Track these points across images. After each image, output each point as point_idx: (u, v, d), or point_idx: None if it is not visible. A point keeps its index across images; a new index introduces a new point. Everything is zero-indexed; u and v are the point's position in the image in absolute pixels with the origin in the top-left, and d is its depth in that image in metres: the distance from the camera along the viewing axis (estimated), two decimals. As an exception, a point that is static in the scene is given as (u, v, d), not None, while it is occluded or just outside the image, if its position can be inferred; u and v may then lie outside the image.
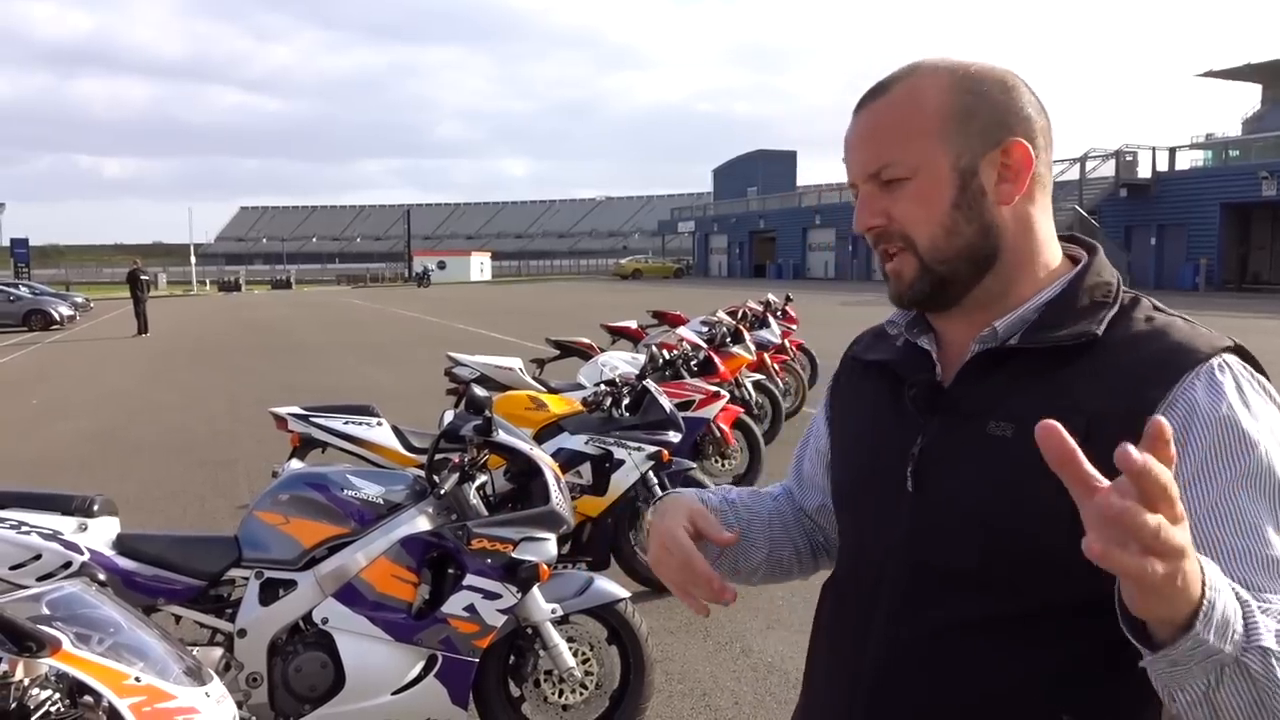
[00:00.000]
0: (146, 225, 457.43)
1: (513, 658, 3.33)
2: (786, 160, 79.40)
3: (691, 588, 1.15)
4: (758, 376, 8.61)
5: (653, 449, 4.86)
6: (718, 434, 6.81)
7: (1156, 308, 1.09)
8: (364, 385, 14.11)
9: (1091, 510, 0.73)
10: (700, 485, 5.17)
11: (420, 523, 3.13)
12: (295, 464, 3.91)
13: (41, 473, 8.47)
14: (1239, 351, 1.03)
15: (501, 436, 3.28)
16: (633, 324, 10.36)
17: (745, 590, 5.36)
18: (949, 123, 1.07)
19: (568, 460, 4.78)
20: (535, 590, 3.23)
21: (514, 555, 3.16)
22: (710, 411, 6.42)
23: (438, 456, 3.28)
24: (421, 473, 3.34)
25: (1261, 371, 1.04)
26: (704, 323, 9.11)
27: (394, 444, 4.58)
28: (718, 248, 72.62)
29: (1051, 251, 1.13)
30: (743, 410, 7.11)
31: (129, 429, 10.80)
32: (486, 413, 3.20)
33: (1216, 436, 0.96)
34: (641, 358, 6.74)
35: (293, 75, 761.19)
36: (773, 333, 9.74)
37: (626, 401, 5.05)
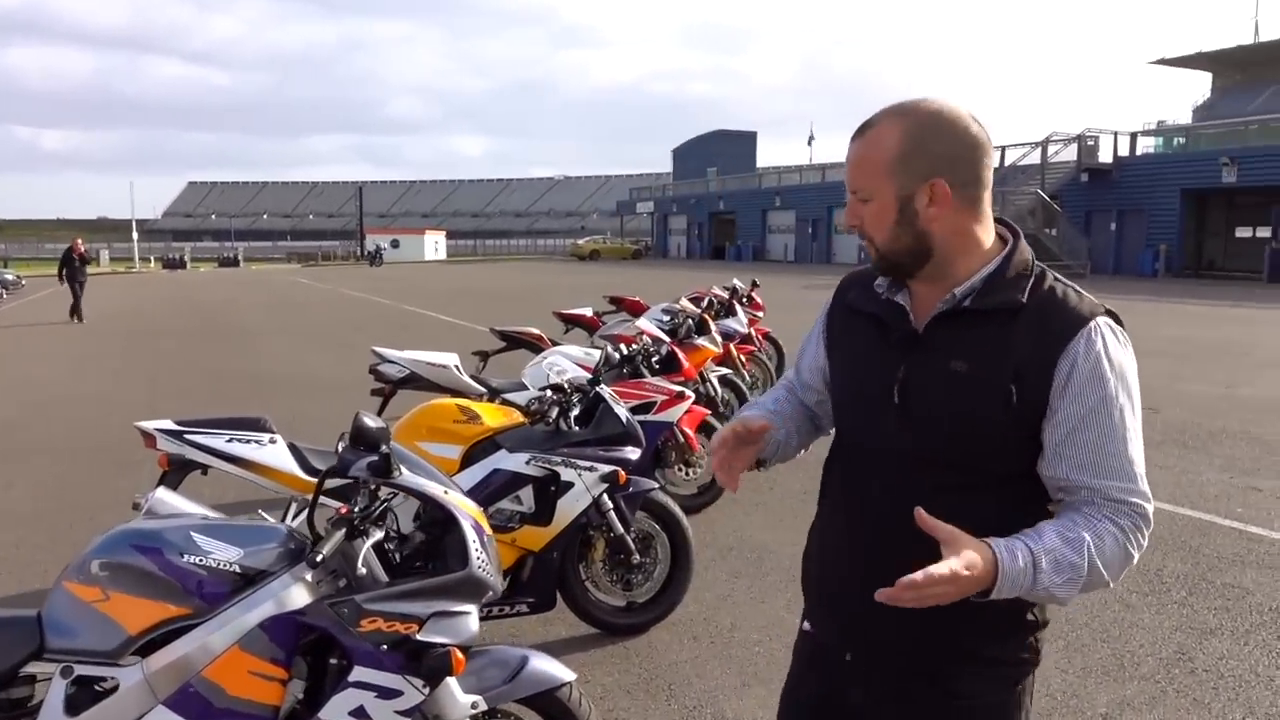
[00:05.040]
0: (90, 200, 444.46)
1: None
2: (746, 141, 78.41)
3: (727, 464, 1.74)
4: (724, 371, 7.85)
5: (607, 469, 4.07)
6: (681, 439, 6.05)
7: (1056, 278, 1.63)
8: (300, 372, 13.17)
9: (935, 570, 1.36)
10: (663, 508, 4.41)
11: (291, 597, 2.32)
12: (162, 493, 3.07)
13: (-82, 476, 7.49)
14: (1110, 314, 1.57)
15: (406, 477, 2.48)
16: (588, 311, 9.52)
17: (720, 642, 4.07)
18: (895, 164, 1.56)
19: (505, 484, 3.99)
20: (449, 681, 2.45)
21: (419, 637, 2.37)
22: (674, 414, 5.66)
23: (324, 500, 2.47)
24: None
25: (1122, 325, 1.58)
26: (665, 311, 8.33)
27: (289, 466, 3.74)
28: (677, 229, 71.72)
29: (986, 238, 1.64)
30: (709, 412, 6.35)
31: (32, 425, 9.79)
32: (383, 447, 2.39)
33: (1088, 373, 1.51)
34: (596, 353, 5.93)
35: (239, 48, 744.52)
36: (739, 321, 8.96)
37: (576, 411, 4.26)
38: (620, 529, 4.19)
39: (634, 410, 5.25)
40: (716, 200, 66.28)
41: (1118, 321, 1.57)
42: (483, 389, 5.59)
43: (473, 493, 3.93)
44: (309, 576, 2.35)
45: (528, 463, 4.00)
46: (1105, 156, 39.52)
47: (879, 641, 1.67)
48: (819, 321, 1.89)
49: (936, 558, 1.38)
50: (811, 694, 1.83)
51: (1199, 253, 38.26)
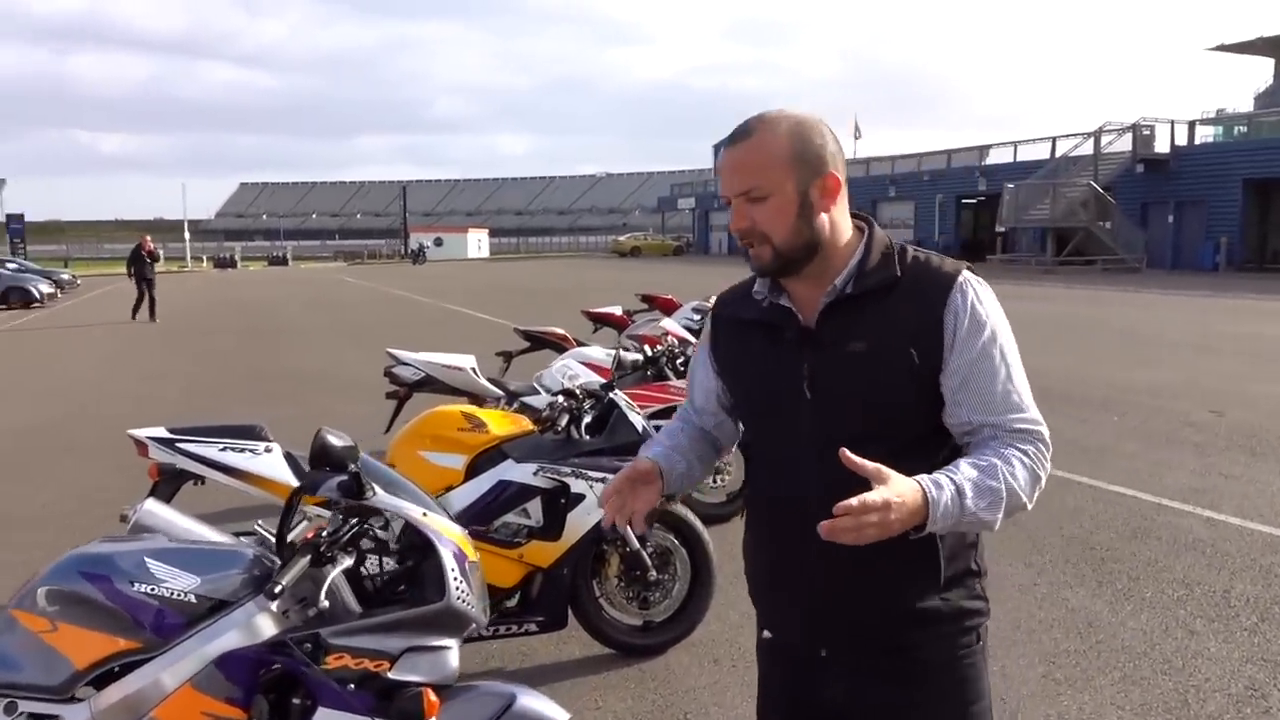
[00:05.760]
0: (148, 201, 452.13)
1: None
2: (790, 135, 77.53)
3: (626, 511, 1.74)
4: (757, 371, 7.57)
5: (621, 480, 3.83)
6: (709, 444, 5.80)
7: (915, 249, 1.73)
8: (338, 371, 13.09)
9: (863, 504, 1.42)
10: (683, 521, 4.16)
11: (252, 629, 2.11)
12: (152, 505, 2.90)
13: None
14: (970, 270, 1.69)
15: (379, 498, 2.26)
16: (617, 310, 9.26)
17: (742, 666, 4.34)
18: (792, 160, 1.63)
19: (512, 496, 3.76)
20: (425, 725, 2.23)
21: (390, 676, 2.15)
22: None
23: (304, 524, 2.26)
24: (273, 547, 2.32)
25: (979, 276, 1.70)
26: (696, 310, 8.07)
27: (284, 476, 3.55)
28: (719, 225, 71.08)
29: (849, 231, 1.72)
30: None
31: (67, 424, 9.79)
32: (351, 466, 2.17)
33: (967, 324, 1.63)
34: (628, 356, 5.69)
35: (285, 50, 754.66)
36: (775, 320, 8.65)
37: (589, 419, 4.03)
38: (635, 544, 3.96)
39: (656, 414, 5.02)
40: (760, 195, 65.49)
41: (976, 274, 1.71)
42: (499, 392, 5.38)
43: (477, 505, 3.72)
44: (274, 607, 2.14)
45: (536, 474, 3.78)
46: (1162, 146, 38.31)
47: (847, 626, 1.73)
48: (702, 349, 1.95)
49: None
50: (785, 700, 1.86)
51: (1262, 245, 36.93)
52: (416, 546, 2.34)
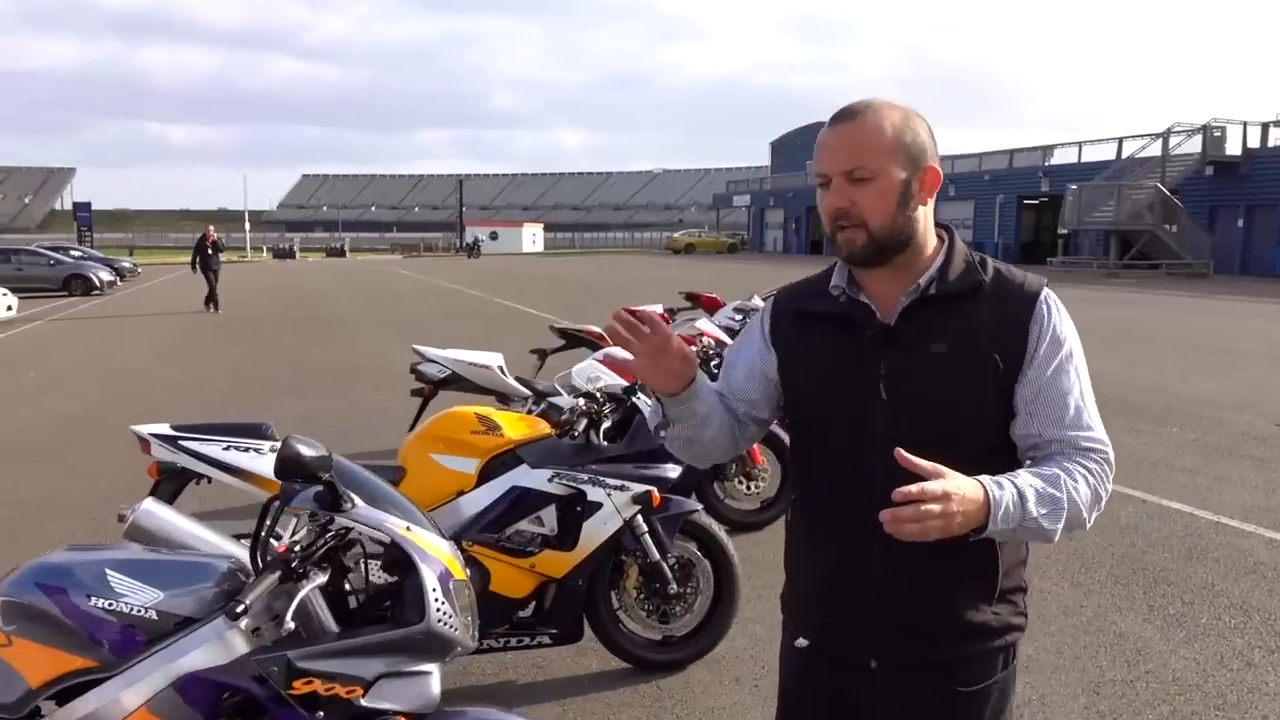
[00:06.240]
0: (213, 191, 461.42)
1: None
2: (848, 133, 76.62)
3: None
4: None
5: (640, 488, 3.67)
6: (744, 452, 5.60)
7: (994, 260, 1.73)
8: (384, 364, 13.05)
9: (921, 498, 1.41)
10: (706, 532, 3.98)
11: (217, 649, 1.98)
12: (150, 505, 2.80)
13: (-11, 463, 7.55)
14: (1049, 286, 1.70)
15: (358, 511, 2.11)
16: (658, 308, 9.07)
17: (765, 685, 4.40)
18: (898, 146, 1.62)
19: (525, 502, 3.61)
20: (399, 755, 2.08)
21: (362, 703, 2.01)
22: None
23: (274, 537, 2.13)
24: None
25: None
26: (738, 310, 7.85)
27: (290, 478, 3.44)
28: (773, 223, 70.62)
29: (934, 233, 1.71)
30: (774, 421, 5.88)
31: (109, 412, 9.87)
32: (324, 475, 2.03)
33: (1050, 337, 1.64)
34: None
35: (349, 44, 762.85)
36: (819, 321, 8.40)
37: (609, 424, 3.86)
38: (656, 555, 3.78)
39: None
40: (814, 194, 64.73)
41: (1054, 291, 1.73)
42: (526, 392, 5.24)
43: (488, 511, 3.58)
44: (243, 626, 2.01)
45: (551, 480, 3.62)
46: (1233, 149, 37.07)
47: (902, 636, 1.69)
48: (754, 336, 1.86)
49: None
50: (821, 710, 1.81)
51: (1335, 252, 35.63)
52: (399, 562, 2.20)
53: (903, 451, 1.45)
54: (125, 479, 7.03)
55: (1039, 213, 48.29)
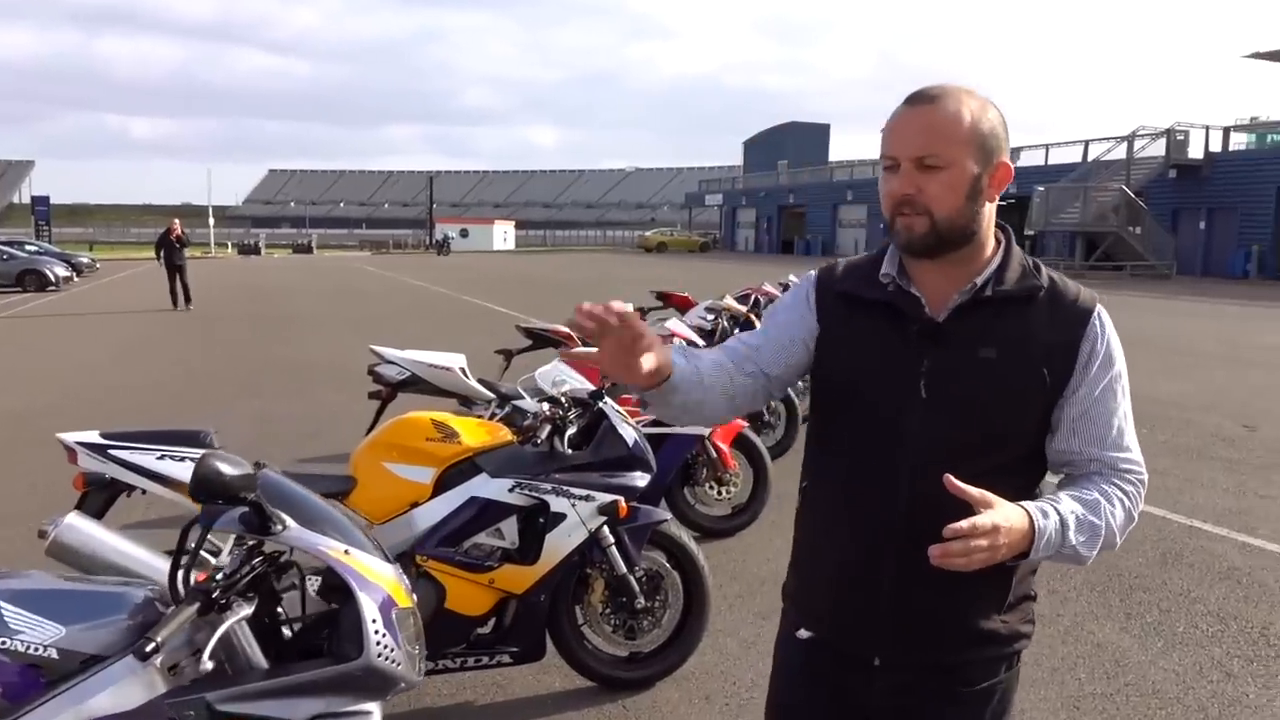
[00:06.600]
0: (176, 186, 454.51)
1: None
2: (819, 133, 76.76)
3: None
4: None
5: (606, 498, 3.49)
6: (714, 454, 5.45)
7: (1047, 267, 1.66)
8: (345, 364, 12.78)
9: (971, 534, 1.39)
10: (675, 542, 3.82)
11: (126, 692, 1.78)
12: (74, 520, 2.60)
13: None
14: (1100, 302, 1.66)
15: (289, 533, 1.92)
16: (629, 307, 8.86)
17: (736, 703, 4.26)
18: (973, 137, 1.54)
19: (484, 514, 3.42)
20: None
21: (293, 749, 1.81)
22: (704, 427, 5.04)
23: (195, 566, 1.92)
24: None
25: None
26: (709, 310, 7.70)
27: (231, 489, 3.21)
28: (745, 222, 70.62)
29: (993, 232, 1.64)
30: (745, 424, 5.72)
31: (47, 415, 9.48)
32: (249, 496, 1.83)
33: (1102, 355, 1.60)
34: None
35: (318, 38, 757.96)
36: (791, 322, 8.27)
37: (574, 430, 3.68)
38: (623, 568, 3.61)
39: (657, 423, 4.67)
40: (786, 193, 65.04)
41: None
42: (489, 395, 5.04)
43: (445, 524, 3.39)
44: (159, 663, 1.81)
45: (511, 490, 3.43)
46: (1196, 152, 37.53)
47: (909, 636, 1.65)
48: (802, 298, 1.75)
49: None
50: (819, 701, 1.77)
51: (1294, 254, 36.14)
52: (337, 588, 2.01)
53: (952, 479, 1.43)
54: (45, 485, 6.75)
55: (1006, 214, 47.07)
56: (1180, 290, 28.32)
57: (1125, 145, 38.59)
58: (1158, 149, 37.81)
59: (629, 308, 1.46)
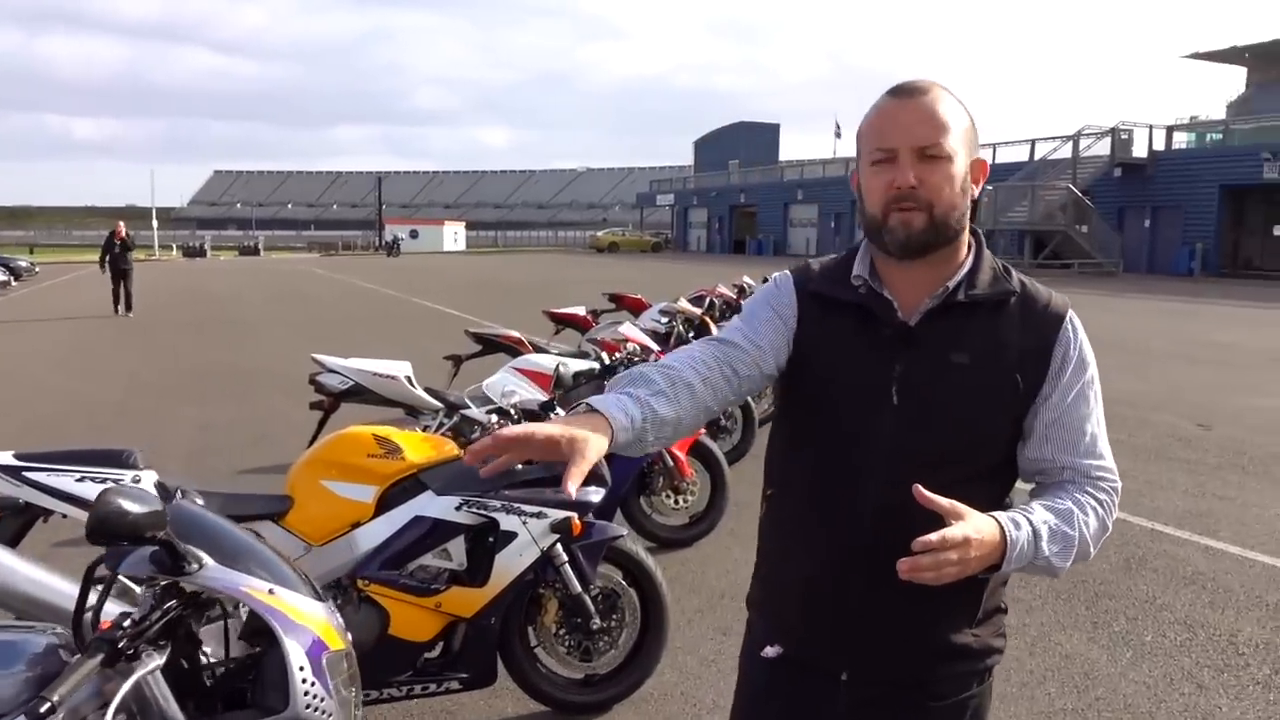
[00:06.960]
0: (120, 188, 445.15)
1: None
2: (769, 133, 77.13)
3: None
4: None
5: (559, 515, 3.32)
6: (670, 463, 5.29)
7: (1017, 270, 1.64)
8: (290, 370, 12.43)
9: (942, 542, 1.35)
10: (632, 559, 3.66)
11: (18, 756, 1.58)
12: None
13: None
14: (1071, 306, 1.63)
15: (206, 573, 1.72)
16: (580, 310, 8.71)
17: None
18: (966, 132, 1.53)
19: (430, 534, 3.22)
20: None
21: (208, 813, 1.62)
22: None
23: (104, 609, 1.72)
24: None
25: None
26: (663, 312, 7.56)
27: (155, 513, 2.99)
28: (697, 222, 70.74)
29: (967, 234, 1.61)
30: (703, 430, 5.58)
31: (-11, 423, 9.14)
32: (159, 534, 1.63)
33: (1075, 360, 1.57)
34: (574, 365, 5.16)
35: (266, 37, 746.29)
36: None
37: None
38: (577, 587, 3.44)
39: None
40: (738, 193, 65.24)
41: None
42: (437, 404, 4.84)
43: (388, 545, 3.19)
44: (62, 716, 1.60)
45: (459, 508, 3.24)
46: (1140, 151, 38.23)
47: (879, 651, 1.61)
48: (785, 290, 1.68)
49: None
50: (778, 717, 1.72)
51: (1235, 251, 36.94)
52: (262, 631, 1.81)
53: (921, 489, 1.39)
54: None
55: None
56: (1127, 288, 28.76)
57: (1071, 144, 39.22)
58: (1103, 148, 38.48)
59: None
